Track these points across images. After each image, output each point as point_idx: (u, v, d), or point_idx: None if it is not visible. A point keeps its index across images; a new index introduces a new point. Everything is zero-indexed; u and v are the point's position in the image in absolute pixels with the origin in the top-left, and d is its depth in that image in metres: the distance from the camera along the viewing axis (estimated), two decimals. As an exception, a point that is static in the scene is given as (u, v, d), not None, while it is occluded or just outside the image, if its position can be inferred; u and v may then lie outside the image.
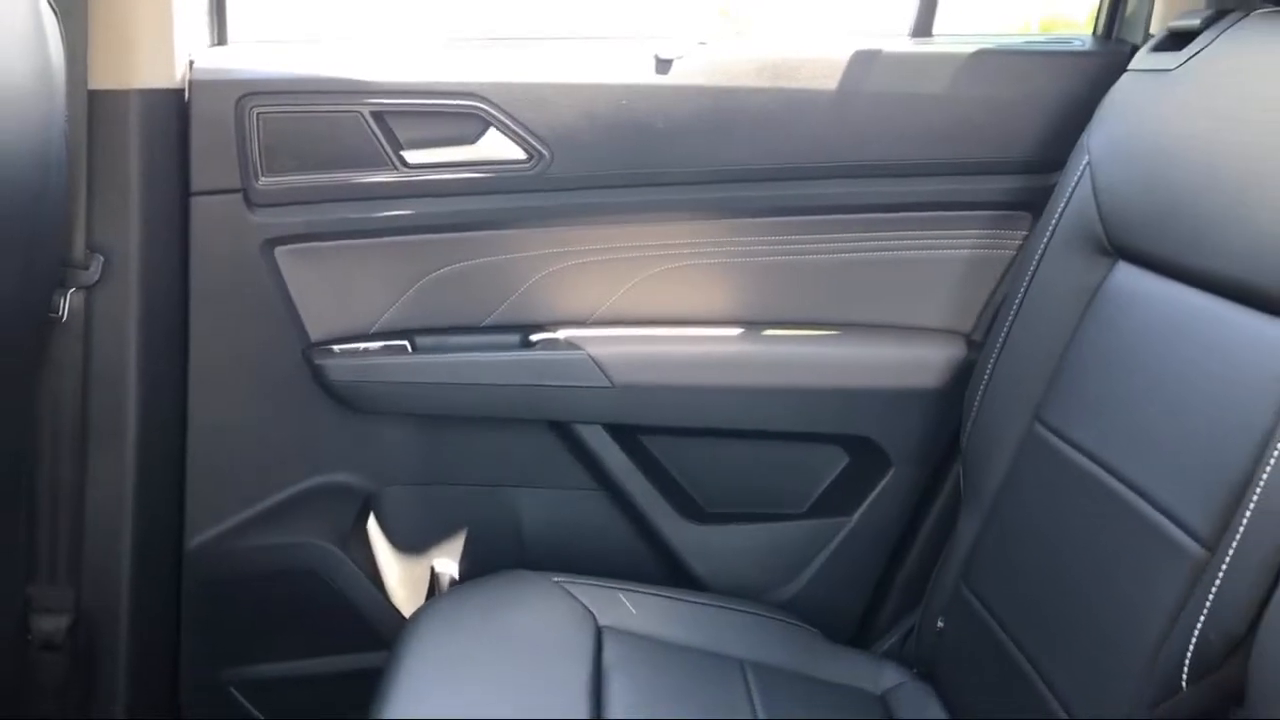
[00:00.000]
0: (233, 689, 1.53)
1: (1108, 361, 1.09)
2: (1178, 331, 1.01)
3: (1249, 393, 0.87)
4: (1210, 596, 0.81)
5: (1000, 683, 1.10)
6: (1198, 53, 1.12)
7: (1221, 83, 1.07)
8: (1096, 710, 0.92)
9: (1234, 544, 0.81)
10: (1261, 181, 0.94)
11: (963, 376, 1.37)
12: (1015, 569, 1.14)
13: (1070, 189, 1.22)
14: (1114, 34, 1.43)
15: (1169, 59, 1.16)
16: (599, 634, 1.24)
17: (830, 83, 1.37)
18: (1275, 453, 0.79)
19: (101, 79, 1.25)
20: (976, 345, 1.40)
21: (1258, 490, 0.80)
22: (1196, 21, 1.16)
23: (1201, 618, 0.81)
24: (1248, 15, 1.11)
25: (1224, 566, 0.81)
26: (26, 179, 1.05)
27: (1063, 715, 0.97)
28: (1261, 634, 0.75)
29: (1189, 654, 0.81)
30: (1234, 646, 0.78)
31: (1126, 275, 1.12)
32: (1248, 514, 0.80)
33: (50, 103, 1.07)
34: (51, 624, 1.38)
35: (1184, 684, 0.82)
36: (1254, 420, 0.84)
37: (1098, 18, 1.45)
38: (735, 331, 1.45)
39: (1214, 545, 0.83)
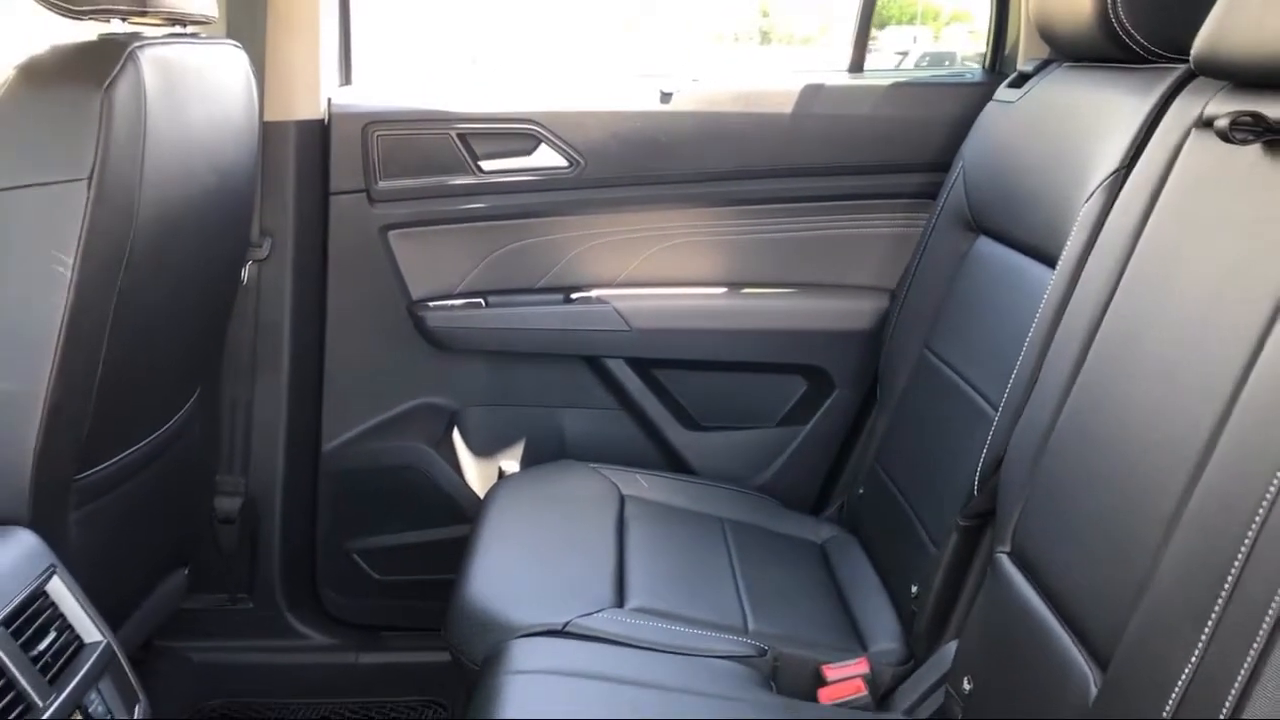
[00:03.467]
0: (354, 555, 1.99)
1: (965, 303, 1.59)
2: (1002, 279, 1.50)
3: (1027, 314, 1.35)
4: (990, 435, 1.31)
5: (890, 519, 1.59)
6: (1028, 92, 1.60)
7: (1036, 114, 1.55)
8: (938, 518, 1.43)
9: (1002, 403, 1.31)
10: (1048, 184, 1.42)
11: (888, 321, 1.85)
12: (903, 445, 1.64)
13: (951, 184, 1.71)
14: (997, 68, 1.92)
15: (1014, 94, 1.64)
16: (622, 500, 1.72)
17: (788, 107, 1.86)
18: (1024, 347, 1.29)
19: (271, 114, 1.76)
20: (897, 298, 1.86)
21: (1015, 370, 1.30)
22: (1030, 68, 1.64)
23: (985, 449, 1.31)
24: (1060, 66, 1.58)
25: (997, 417, 1.31)
26: (243, 189, 1.56)
27: (920, 528, 1.47)
28: (1007, 454, 1.26)
29: (978, 472, 1.32)
30: (998, 464, 1.28)
31: (982, 244, 1.61)
32: (1009, 385, 1.30)
33: (251, 134, 1.58)
34: (228, 504, 1.87)
35: (975, 492, 1.32)
36: (1024, 330, 1.32)
37: (986, 54, 1.94)
38: (721, 290, 1.94)
39: (999, 408, 1.33)
